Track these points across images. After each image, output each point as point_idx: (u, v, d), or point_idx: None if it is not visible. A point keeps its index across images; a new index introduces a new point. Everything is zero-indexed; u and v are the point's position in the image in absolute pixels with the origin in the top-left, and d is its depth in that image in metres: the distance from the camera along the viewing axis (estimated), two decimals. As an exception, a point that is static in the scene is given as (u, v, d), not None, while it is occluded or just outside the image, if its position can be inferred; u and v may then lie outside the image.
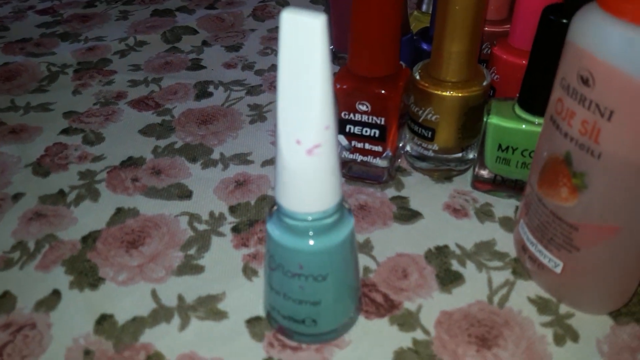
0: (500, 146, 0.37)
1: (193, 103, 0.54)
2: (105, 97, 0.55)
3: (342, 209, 0.28)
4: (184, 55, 0.63)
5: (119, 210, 0.41)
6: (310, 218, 0.27)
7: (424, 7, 0.52)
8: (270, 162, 0.45)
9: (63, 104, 0.55)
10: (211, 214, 0.40)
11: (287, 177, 0.25)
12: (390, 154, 0.40)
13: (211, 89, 0.56)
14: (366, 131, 0.39)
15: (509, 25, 0.43)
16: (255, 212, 0.40)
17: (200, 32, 0.69)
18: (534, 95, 0.35)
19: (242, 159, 0.46)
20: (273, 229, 0.28)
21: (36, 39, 0.68)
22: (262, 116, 0.52)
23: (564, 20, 0.31)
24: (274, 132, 0.49)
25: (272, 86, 0.56)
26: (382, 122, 0.38)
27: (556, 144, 0.28)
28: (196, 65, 0.61)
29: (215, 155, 0.47)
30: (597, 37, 0.24)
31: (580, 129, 0.26)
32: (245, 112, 0.52)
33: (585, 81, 0.25)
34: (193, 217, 0.40)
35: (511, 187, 0.39)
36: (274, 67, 0.60)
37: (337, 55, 0.55)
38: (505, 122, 0.36)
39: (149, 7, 0.76)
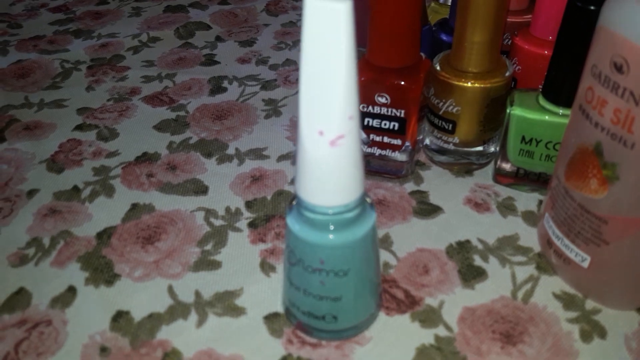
0: (523, 138, 0.36)
1: (207, 98, 0.53)
2: (119, 93, 0.55)
3: (363, 203, 0.27)
4: (197, 50, 0.63)
5: (134, 206, 0.41)
6: (331, 211, 0.26)
7: (442, -1, 0.51)
8: (286, 156, 0.45)
9: (77, 100, 0.54)
10: (227, 209, 0.40)
11: (309, 169, 0.25)
12: (410, 147, 0.39)
13: (225, 84, 0.56)
14: (385, 124, 0.38)
15: (530, 16, 0.42)
16: (272, 207, 0.40)
17: (213, 27, 0.68)
18: (559, 85, 0.34)
19: (257, 153, 0.45)
20: (293, 223, 0.27)
21: (49, 36, 0.68)
22: (277, 111, 0.51)
23: (592, 7, 0.30)
24: (289, 127, 0.49)
25: (287, 81, 0.56)
26: (402, 115, 0.37)
27: (585, 134, 0.27)
28: (210, 61, 0.60)
29: (231, 151, 0.46)
30: (632, 22, 0.23)
31: (613, 118, 0.25)
32: (260, 107, 0.52)
33: (619, 68, 0.24)
34: (209, 213, 0.40)
35: (534, 180, 0.38)
36: (288, 62, 0.59)
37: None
38: (529, 114, 0.35)
39: (161, 3, 0.76)
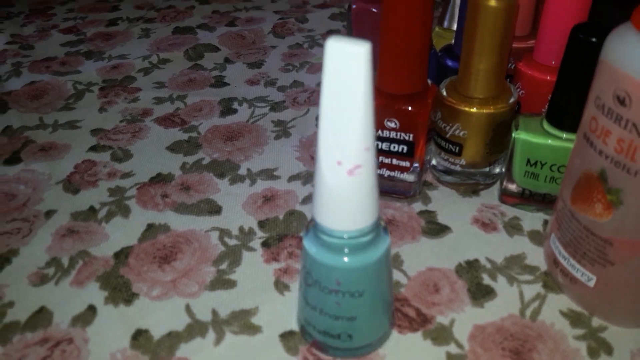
0: (528, 161, 0.37)
1: (218, 119, 0.55)
2: (131, 115, 0.56)
3: (378, 227, 0.28)
4: (207, 72, 0.64)
5: (150, 226, 0.42)
6: (346, 236, 0.27)
7: (446, 24, 0.53)
8: (297, 177, 0.46)
9: (90, 122, 0.55)
10: (241, 229, 0.41)
11: (327, 196, 0.26)
12: (417, 168, 0.40)
13: (235, 105, 0.57)
14: (394, 147, 0.39)
15: (532, 41, 0.43)
16: (284, 227, 0.41)
17: (221, 49, 0.70)
18: (563, 111, 0.35)
19: (268, 174, 0.47)
20: (310, 246, 0.28)
21: (61, 57, 0.69)
22: (287, 132, 0.52)
23: (594, 39, 0.31)
24: (299, 148, 0.50)
25: (295, 102, 0.57)
26: (410, 138, 0.38)
27: (590, 161, 0.29)
28: (220, 82, 0.62)
29: (243, 171, 0.47)
30: (633, 58, 0.25)
31: (616, 147, 0.27)
32: (269, 128, 0.53)
33: (621, 101, 0.25)
34: (223, 232, 0.41)
35: (539, 200, 0.40)
36: (296, 84, 0.61)
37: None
38: (534, 138, 0.37)
39: (170, 24, 0.78)
